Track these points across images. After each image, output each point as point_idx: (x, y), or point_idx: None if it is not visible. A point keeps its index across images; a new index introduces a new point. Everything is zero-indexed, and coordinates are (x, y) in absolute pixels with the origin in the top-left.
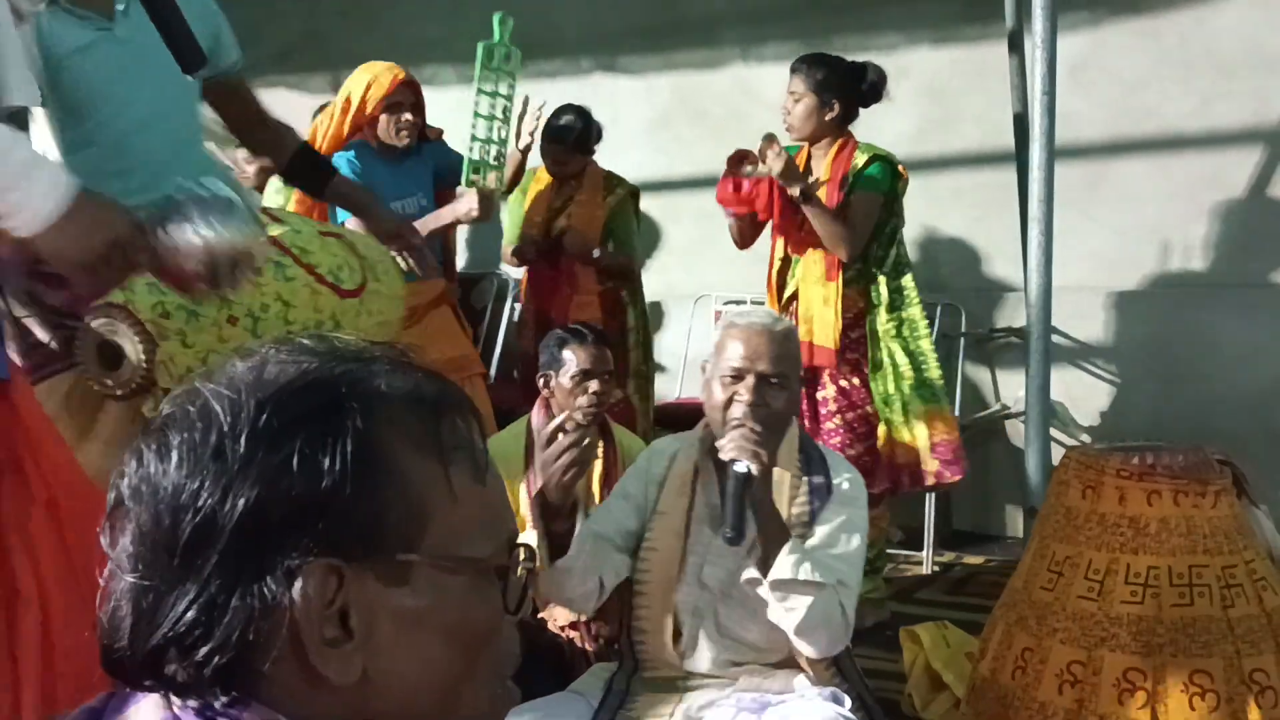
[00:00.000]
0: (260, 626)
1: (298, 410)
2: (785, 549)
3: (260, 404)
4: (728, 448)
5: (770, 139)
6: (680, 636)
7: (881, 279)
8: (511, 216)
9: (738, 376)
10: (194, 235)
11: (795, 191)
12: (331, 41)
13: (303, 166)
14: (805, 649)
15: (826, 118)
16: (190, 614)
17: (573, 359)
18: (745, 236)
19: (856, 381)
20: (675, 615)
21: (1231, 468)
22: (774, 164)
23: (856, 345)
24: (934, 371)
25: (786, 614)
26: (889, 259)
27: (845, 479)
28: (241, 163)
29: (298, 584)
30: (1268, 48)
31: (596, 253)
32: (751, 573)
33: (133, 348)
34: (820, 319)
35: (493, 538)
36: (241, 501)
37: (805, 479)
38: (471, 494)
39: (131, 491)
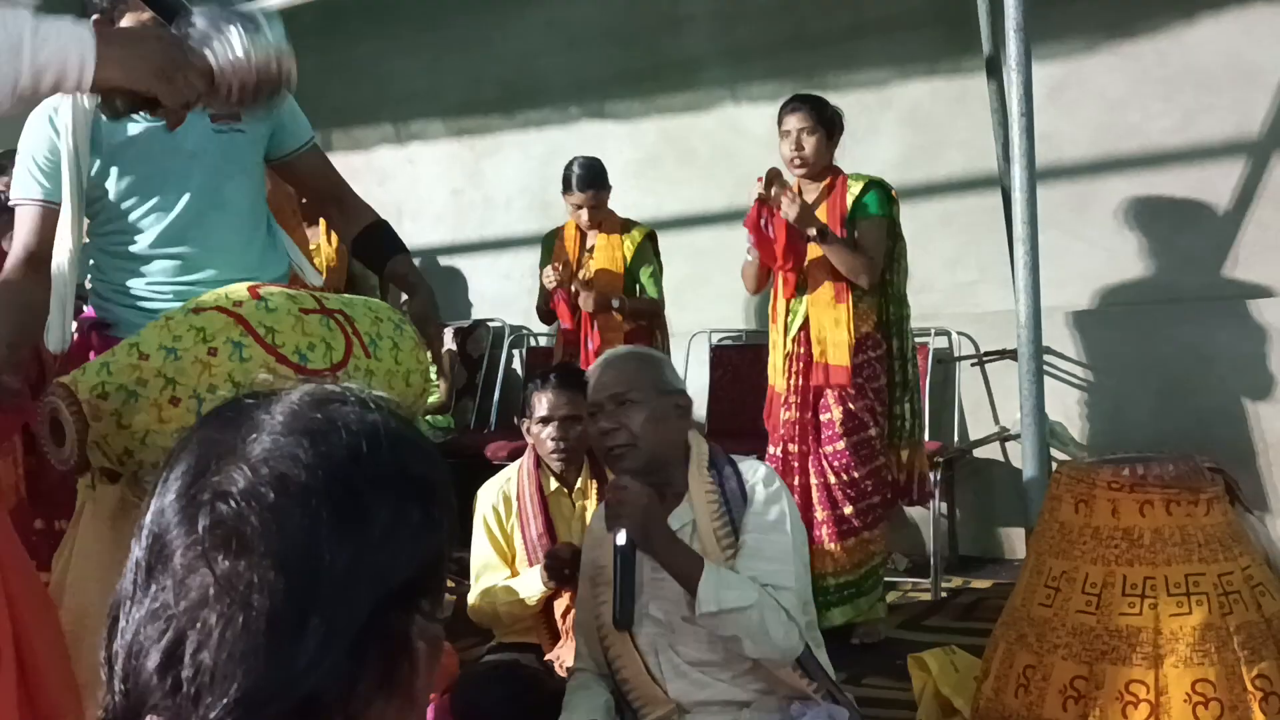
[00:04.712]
0: (387, 674)
1: (378, 471)
2: (701, 580)
3: (349, 469)
4: (606, 522)
5: (777, 175)
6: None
7: (890, 302)
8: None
9: (592, 414)
10: (232, 52)
11: (812, 232)
12: (316, 99)
13: (368, 243)
14: (767, 661)
15: (831, 151)
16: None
17: (536, 404)
18: (760, 280)
19: (863, 404)
20: (639, 652)
21: (1223, 475)
22: (789, 210)
23: (865, 367)
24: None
25: (731, 639)
26: (893, 282)
27: (760, 481)
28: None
29: (416, 628)
30: (1246, 60)
31: (616, 302)
32: (685, 612)
33: (69, 427)
34: (833, 339)
35: None
36: (365, 566)
37: (719, 489)
38: None
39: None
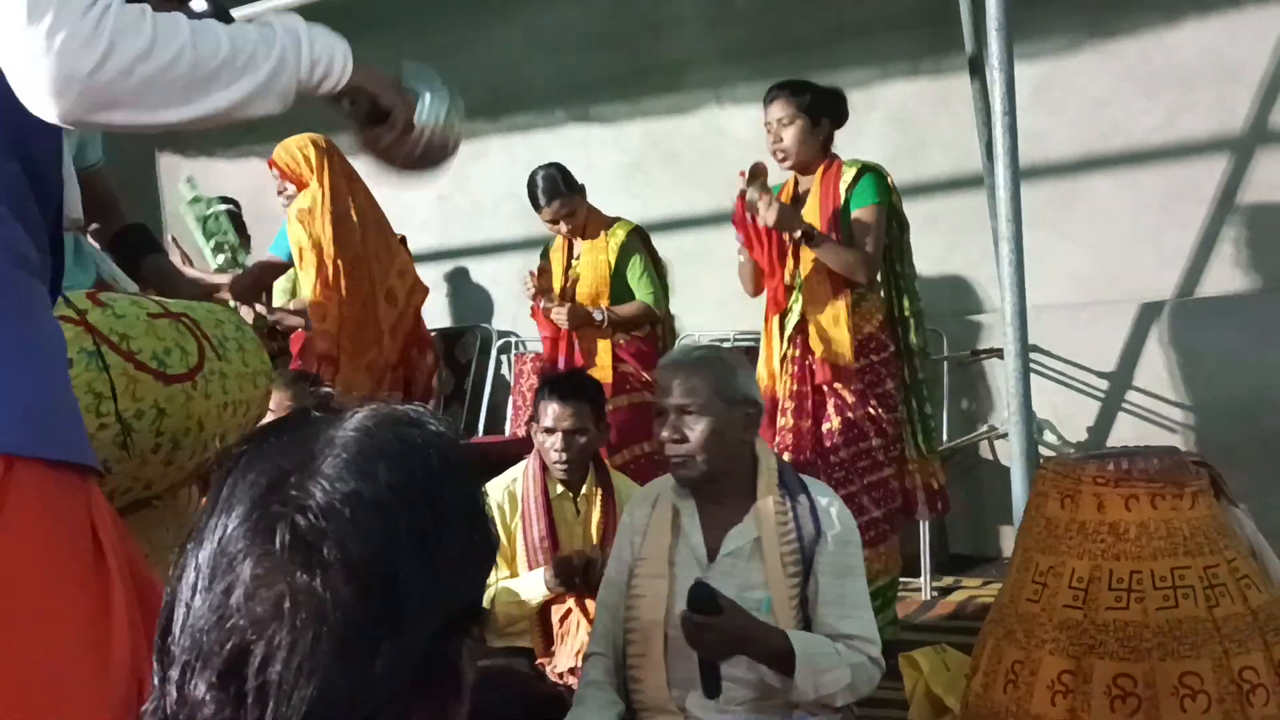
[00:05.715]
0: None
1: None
2: (796, 673)
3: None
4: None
5: (761, 171)
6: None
7: (900, 294)
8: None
9: (659, 414)
10: (435, 112)
11: (797, 234)
12: (304, 104)
13: (127, 241)
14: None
15: (820, 139)
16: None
17: (542, 413)
18: (756, 281)
19: (863, 412)
20: (666, 659)
21: (1208, 468)
22: (768, 216)
23: (867, 372)
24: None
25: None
26: (903, 274)
27: (835, 514)
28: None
29: (465, 654)
30: (1227, 57)
31: (599, 315)
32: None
33: None
34: (833, 337)
35: None
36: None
37: (790, 513)
38: None
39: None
